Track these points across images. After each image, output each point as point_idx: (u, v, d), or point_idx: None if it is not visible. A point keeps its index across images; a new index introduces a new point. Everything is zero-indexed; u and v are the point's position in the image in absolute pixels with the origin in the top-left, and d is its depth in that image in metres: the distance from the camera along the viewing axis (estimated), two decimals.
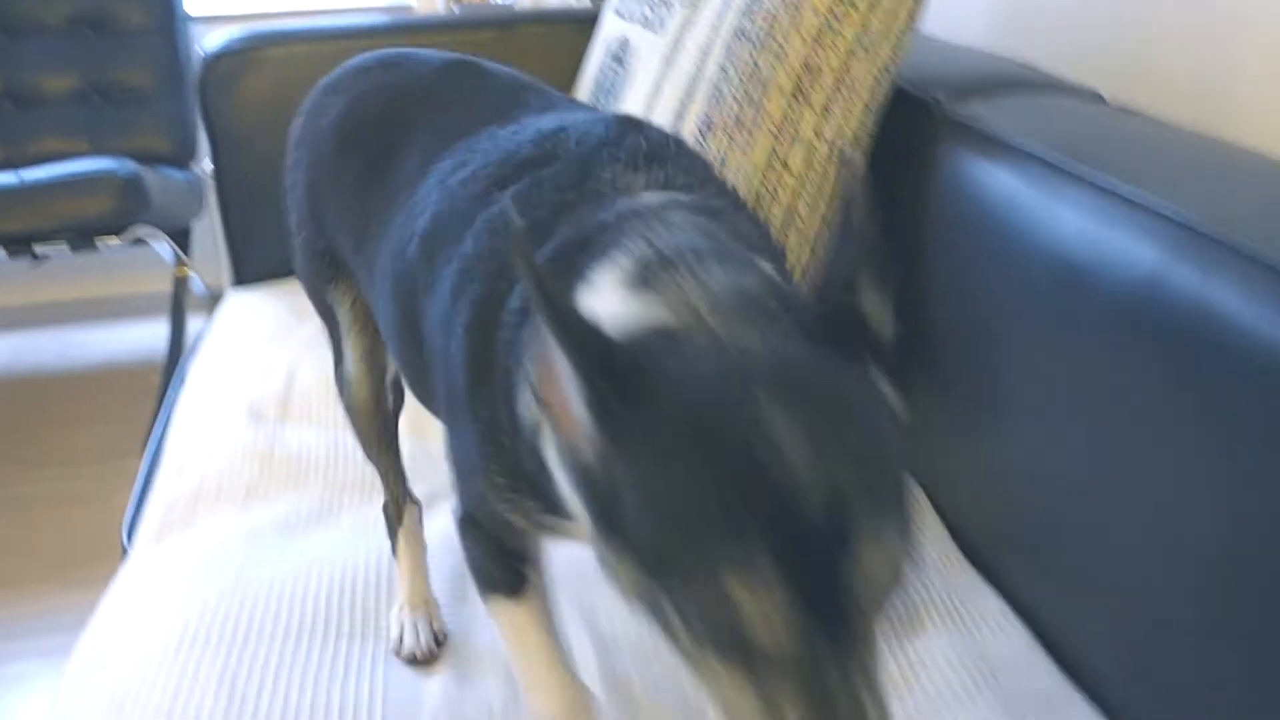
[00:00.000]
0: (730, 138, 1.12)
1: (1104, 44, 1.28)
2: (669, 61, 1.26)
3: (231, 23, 1.95)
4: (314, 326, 1.42)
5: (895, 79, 1.12)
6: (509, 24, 1.70)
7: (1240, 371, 0.71)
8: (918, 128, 1.12)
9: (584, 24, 1.63)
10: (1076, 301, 0.85)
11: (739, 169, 1.11)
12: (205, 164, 1.78)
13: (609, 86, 1.43)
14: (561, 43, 1.66)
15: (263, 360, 1.38)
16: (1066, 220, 0.87)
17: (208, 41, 1.64)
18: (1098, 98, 1.16)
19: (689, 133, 1.17)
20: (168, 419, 1.33)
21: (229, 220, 1.66)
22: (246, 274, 1.67)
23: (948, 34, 1.42)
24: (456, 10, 2.25)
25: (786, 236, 1.13)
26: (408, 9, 3.05)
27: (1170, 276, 0.77)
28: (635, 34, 1.39)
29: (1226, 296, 0.72)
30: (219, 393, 1.33)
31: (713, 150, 1.13)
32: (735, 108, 1.12)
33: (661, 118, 1.23)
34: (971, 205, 1.01)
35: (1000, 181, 0.97)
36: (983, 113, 1.07)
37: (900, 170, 1.13)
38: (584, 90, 1.53)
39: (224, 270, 1.77)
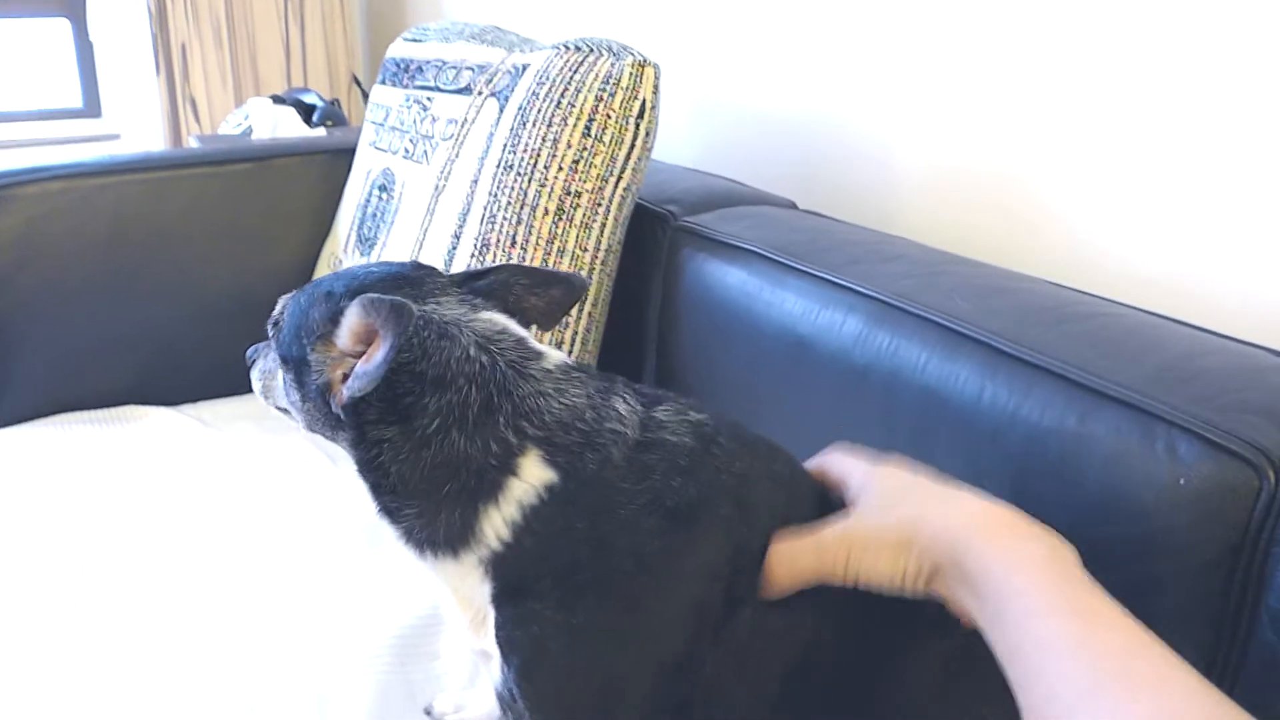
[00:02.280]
0: (506, 254, 1.32)
1: (793, 161, 1.59)
2: (439, 190, 1.45)
3: None
4: (83, 464, 1.46)
5: (637, 198, 1.36)
6: (265, 157, 1.81)
7: (927, 401, 0.97)
8: (660, 236, 1.37)
9: (339, 155, 1.79)
10: (804, 362, 1.10)
11: None
12: None
13: (377, 212, 1.60)
14: (317, 174, 1.80)
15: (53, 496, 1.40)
16: (790, 302, 1.13)
17: None
18: (793, 205, 1.45)
19: (466, 252, 1.36)
20: None
21: None
22: (5, 414, 1.67)
23: (669, 158, 1.69)
24: (195, 143, 2.32)
25: (561, 335, 1.33)
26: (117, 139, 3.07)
27: (872, 338, 1.03)
28: (399, 166, 1.57)
29: (913, 350, 1.00)
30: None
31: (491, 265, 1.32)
32: (509, 228, 1.32)
33: (438, 240, 1.41)
34: (712, 295, 1.26)
35: (733, 276, 1.23)
36: (710, 221, 1.33)
37: (649, 271, 1.37)
38: (347, 216, 1.68)
39: None
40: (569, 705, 0.71)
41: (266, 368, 0.89)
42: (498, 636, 0.72)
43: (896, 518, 0.69)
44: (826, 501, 0.79)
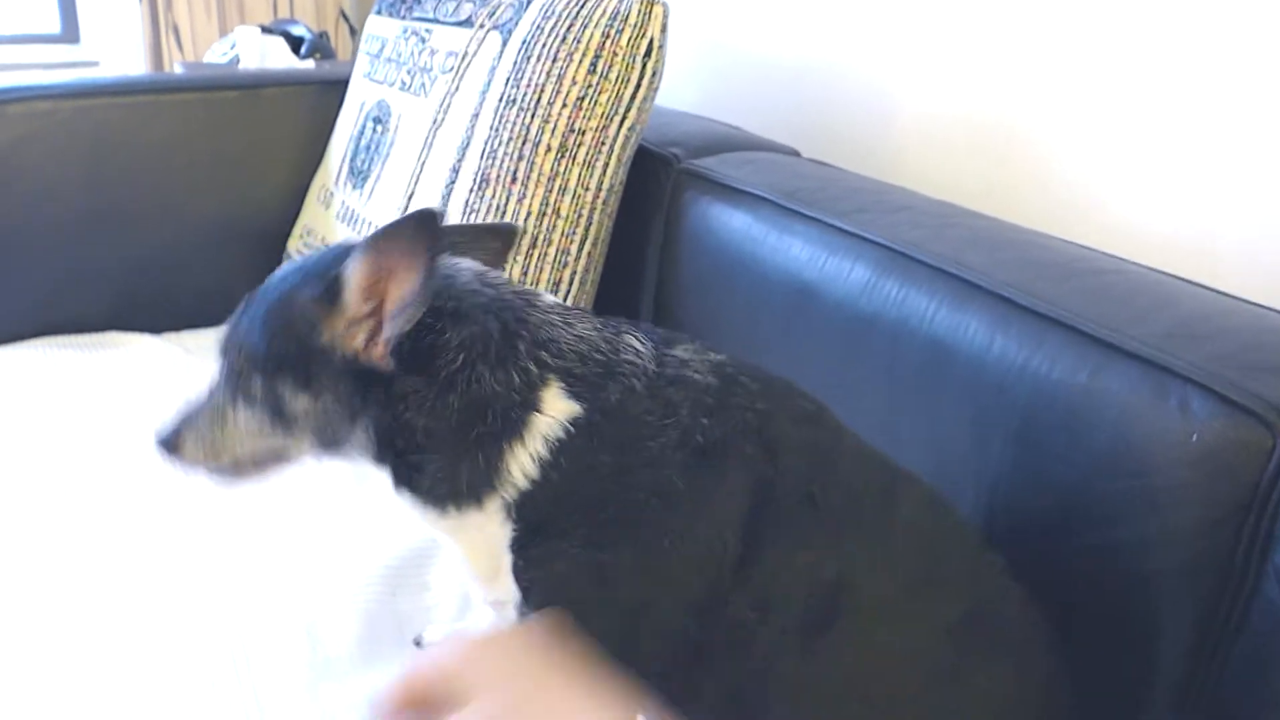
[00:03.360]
0: (507, 190, 1.30)
1: (794, 108, 1.57)
2: (438, 123, 1.42)
3: None
4: (64, 389, 1.43)
5: (640, 139, 1.34)
6: (254, 86, 1.77)
7: (934, 352, 0.97)
8: (662, 179, 1.35)
9: (332, 86, 1.75)
10: (809, 309, 1.09)
11: (515, 217, 1.29)
12: None
13: (371, 145, 1.56)
14: (307, 105, 1.76)
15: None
16: (796, 248, 1.12)
17: None
18: (796, 153, 1.43)
19: (465, 186, 1.33)
20: None
21: None
22: None
23: (669, 102, 1.67)
24: (181, 70, 2.26)
25: (560, 274, 1.31)
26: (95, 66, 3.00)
27: (880, 287, 1.02)
28: (395, 98, 1.54)
29: (921, 300, 0.99)
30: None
31: (490, 201, 1.30)
32: (510, 164, 1.29)
33: (436, 173, 1.38)
34: (715, 239, 1.25)
35: (739, 220, 1.21)
36: (715, 165, 1.31)
37: (650, 213, 1.36)
38: (339, 148, 1.65)
39: None
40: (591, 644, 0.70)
41: (203, 426, 0.79)
42: (519, 580, 0.71)
43: None
44: (854, 436, 0.78)
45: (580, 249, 1.32)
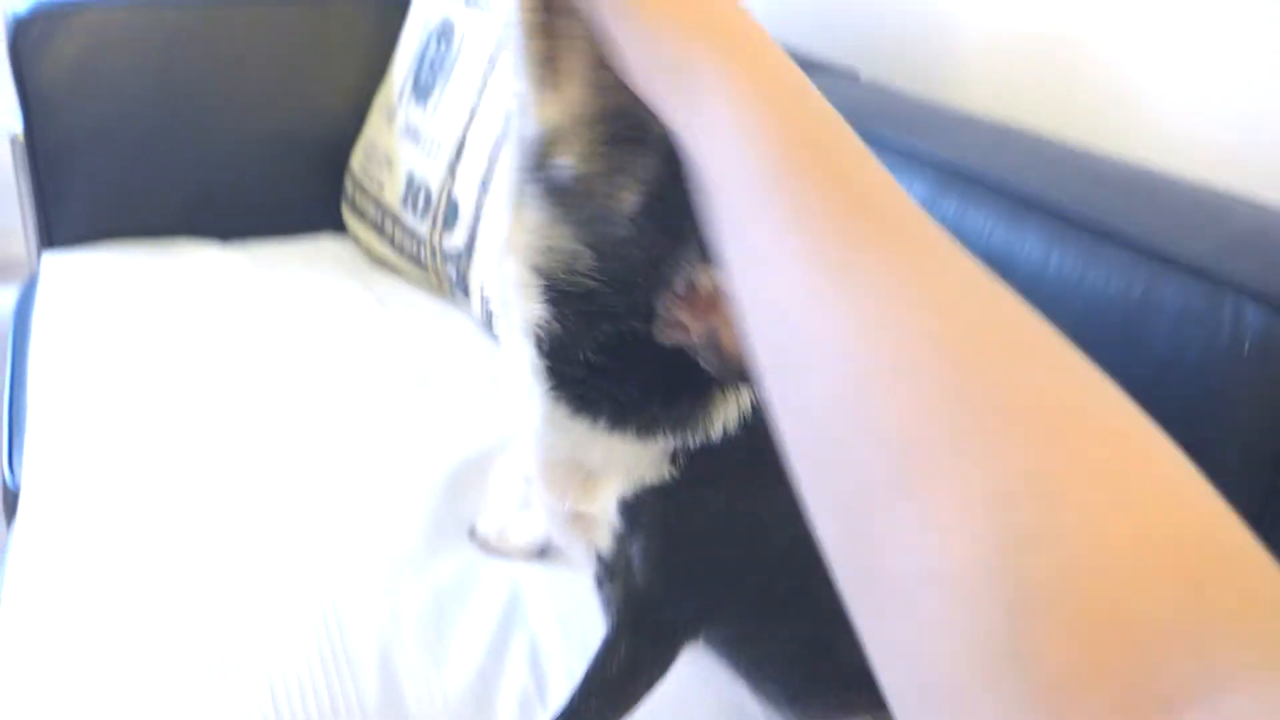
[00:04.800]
0: None
1: (853, 28, 1.57)
2: (502, 40, 1.44)
3: None
4: (132, 292, 1.47)
5: None
6: (319, 2, 1.79)
7: (989, 269, 0.98)
8: None
9: (395, 4, 1.77)
10: None
11: None
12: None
13: (435, 61, 1.58)
14: (372, 19, 1.78)
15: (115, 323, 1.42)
16: None
17: (16, 3, 1.64)
18: (856, 76, 1.44)
19: None
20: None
21: (40, 184, 1.67)
22: (58, 237, 1.69)
23: None
24: None
25: None
26: None
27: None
28: (459, 14, 1.56)
29: (979, 218, 1.00)
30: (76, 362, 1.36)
31: None
32: None
33: (501, 90, 1.41)
34: None
35: None
36: None
37: None
38: (403, 64, 1.67)
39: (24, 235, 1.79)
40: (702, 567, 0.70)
41: None
42: (630, 511, 0.68)
43: None
44: None
45: None
